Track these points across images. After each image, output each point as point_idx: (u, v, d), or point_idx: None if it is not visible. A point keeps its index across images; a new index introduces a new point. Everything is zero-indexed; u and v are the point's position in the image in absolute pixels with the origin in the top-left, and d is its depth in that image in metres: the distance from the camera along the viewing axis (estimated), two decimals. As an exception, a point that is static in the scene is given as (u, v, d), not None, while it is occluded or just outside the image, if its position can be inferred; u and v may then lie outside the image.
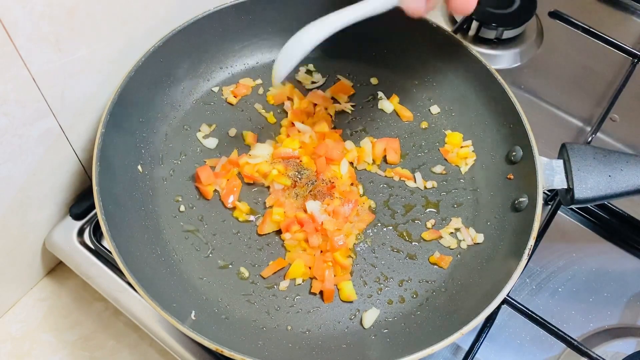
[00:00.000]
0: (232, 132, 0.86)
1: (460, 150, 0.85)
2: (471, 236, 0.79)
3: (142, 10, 0.76)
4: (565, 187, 0.73)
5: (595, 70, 1.04)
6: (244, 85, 0.90)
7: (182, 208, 0.79)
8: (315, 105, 0.88)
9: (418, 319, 0.73)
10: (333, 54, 0.93)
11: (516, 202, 0.77)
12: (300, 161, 0.83)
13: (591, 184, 0.72)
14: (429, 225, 0.80)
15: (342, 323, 0.73)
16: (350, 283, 0.75)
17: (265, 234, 0.78)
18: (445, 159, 0.86)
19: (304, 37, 0.70)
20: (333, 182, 0.81)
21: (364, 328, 0.72)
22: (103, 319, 0.82)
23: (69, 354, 0.79)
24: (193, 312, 0.68)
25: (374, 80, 0.92)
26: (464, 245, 0.78)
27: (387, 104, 0.90)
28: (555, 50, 1.07)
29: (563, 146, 0.75)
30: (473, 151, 0.85)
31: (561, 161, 0.74)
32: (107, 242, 0.66)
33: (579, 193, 0.72)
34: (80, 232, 0.80)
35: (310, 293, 0.75)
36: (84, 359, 0.79)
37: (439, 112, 0.90)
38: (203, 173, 0.80)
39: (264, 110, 0.89)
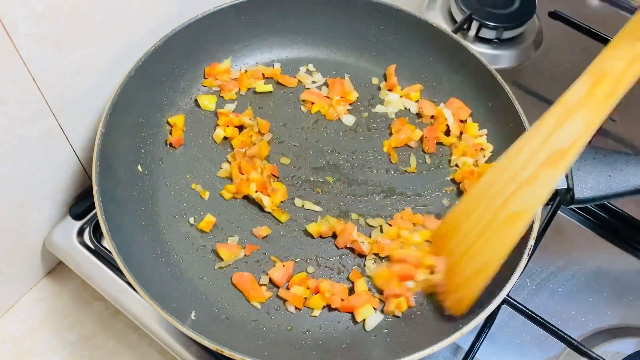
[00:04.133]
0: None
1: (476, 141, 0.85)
2: None
3: (142, 10, 0.76)
4: (565, 187, 0.73)
5: (595, 70, 1.04)
6: (244, 85, 0.90)
7: (182, 208, 0.79)
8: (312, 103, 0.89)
9: (418, 319, 0.73)
10: (333, 54, 0.93)
11: (516, 202, 0.77)
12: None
13: (591, 184, 0.71)
14: None
15: (342, 323, 0.73)
16: (372, 312, 0.72)
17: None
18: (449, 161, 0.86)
19: None
20: None
21: (365, 330, 0.72)
22: (103, 319, 0.82)
23: (69, 354, 0.79)
24: (193, 312, 0.68)
25: (374, 80, 0.92)
26: None
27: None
28: (555, 50, 1.07)
29: (563, 146, 0.75)
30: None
31: (561, 161, 0.74)
32: (107, 242, 0.66)
33: (579, 193, 0.72)
34: (80, 232, 0.80)
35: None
36: (84, 359, 0.79)
37: (438, 112, 0.90)
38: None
39: (264, 110, 0.89)
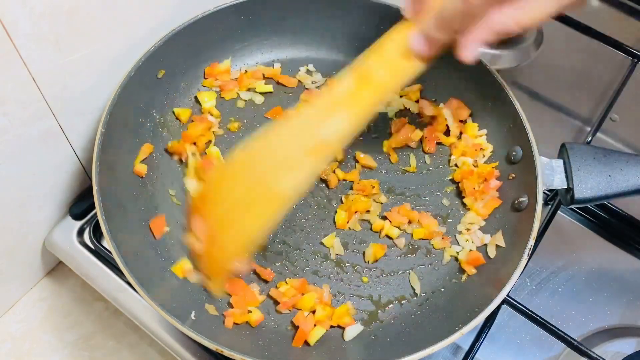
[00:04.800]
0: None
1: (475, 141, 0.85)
2: (479, 237, 0.78)
3: (142, 10, 0.76)
4: (565, 187, 0.73)
5: (595, 70, 1.04)
6: (244, 85, 0.90)
7: (183, 208, 0.79)
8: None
9: (418, 319, 0.73)
10: (333, 54, 0.93)
11: (516, 202, 0.77)
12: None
13: (591, 184, 0.72)
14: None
15: (342, 323, 0.73)
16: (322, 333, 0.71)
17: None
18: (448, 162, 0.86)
19: None
20: None
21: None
22: (103, 319, 0.82)
23: (69, 354, 0.79)
24: (193, 312, 0.68)
25: (374, 80, 0.92)
26: (473, 247, 0.78)
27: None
28: (555, 50, 1.07)
29: (563, 146, 0.75)
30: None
31: (561, 161, 0.74)
32: (107, 242, 0.66)
33: (579, 193, 0.72)
34: (80, 232, 0.80)
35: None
36: (84, 359, 0.79)
37: (438, 112, 0.90)
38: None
39: (263, 110, 0.89)
